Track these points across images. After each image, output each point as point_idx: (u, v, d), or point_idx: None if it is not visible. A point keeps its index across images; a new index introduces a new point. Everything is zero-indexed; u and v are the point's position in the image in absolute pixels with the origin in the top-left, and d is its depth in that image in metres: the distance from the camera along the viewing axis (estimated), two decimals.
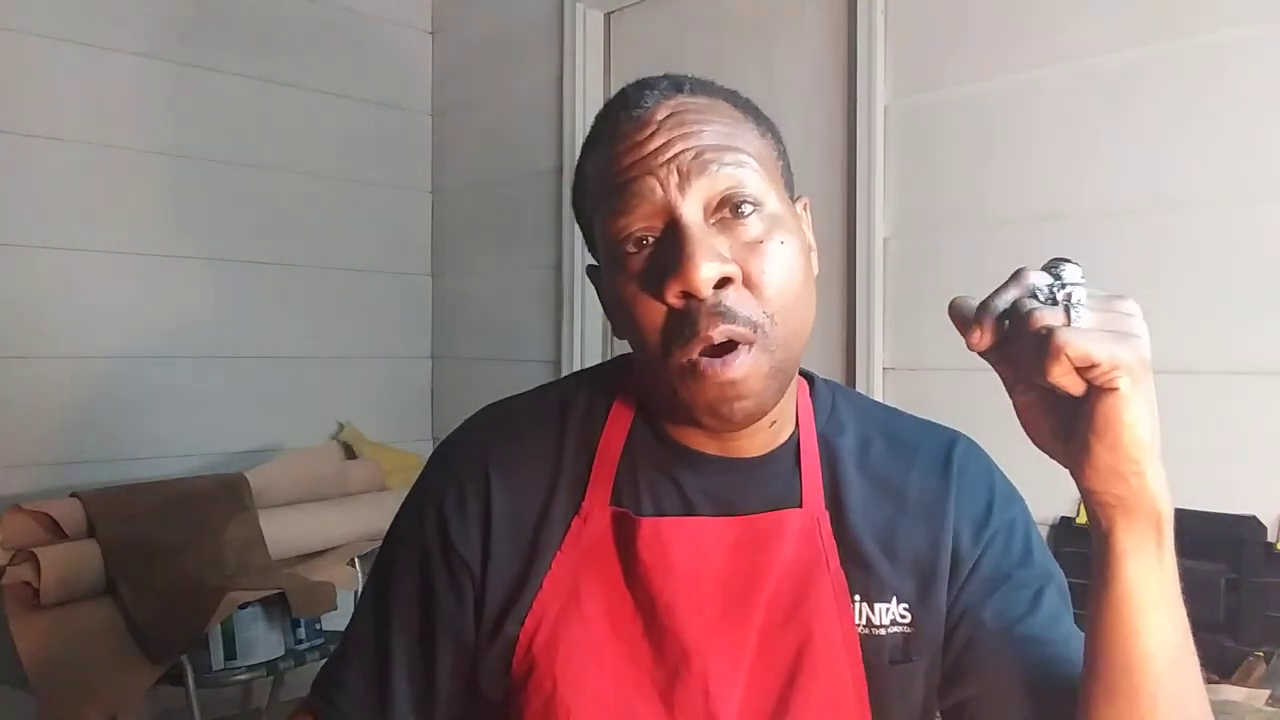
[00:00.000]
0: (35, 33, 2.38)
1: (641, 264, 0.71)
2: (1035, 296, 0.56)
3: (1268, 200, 1.59)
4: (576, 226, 0.75)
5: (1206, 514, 1.60)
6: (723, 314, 0.68)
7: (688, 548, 0.74)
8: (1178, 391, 1.67)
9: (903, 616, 0.76)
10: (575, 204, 0.80)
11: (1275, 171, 1.59)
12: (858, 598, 0.75)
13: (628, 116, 0.73)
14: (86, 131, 2.46)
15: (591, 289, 0.82)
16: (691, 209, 0.69)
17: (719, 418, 0.70)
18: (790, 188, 0.78)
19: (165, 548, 2.12)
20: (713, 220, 0.70)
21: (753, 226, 0.70)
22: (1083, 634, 0.74)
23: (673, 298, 0.68)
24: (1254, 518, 1.57)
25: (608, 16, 2.72)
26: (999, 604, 0.75)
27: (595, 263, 0.79)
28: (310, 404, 2.86)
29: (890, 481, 0.79)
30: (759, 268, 0.69)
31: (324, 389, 2.90)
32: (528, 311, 2.84)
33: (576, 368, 2.63)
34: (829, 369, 2.04)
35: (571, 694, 0.73)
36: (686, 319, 0.68)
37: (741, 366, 0.68)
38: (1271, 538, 1.55)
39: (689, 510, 0.77)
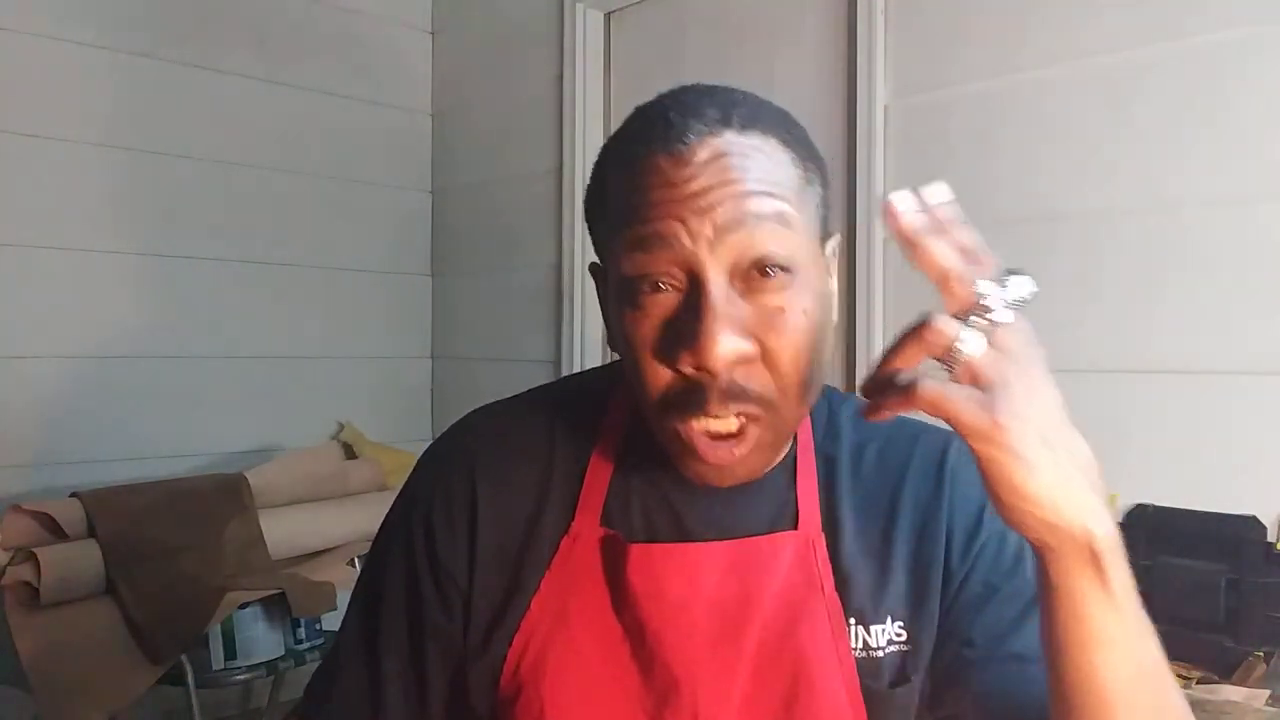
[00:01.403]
0: (33, 32, 2.38)
1: (656, 317, 0.66)
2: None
3: (1268, 200, 1.59)
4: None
5: (1206, 514, 1.60)
6: (735, 395, 0.65)
7: (680, 575, 0.72)
8: (1178, 391, 1.67)
9: (899, 635, 0.74)
10: (588, 208, 0.74)
11: (1275, 171, 1.59)
12: (853, 621, 0.73)
13: (665, 149, 0.66)
14: (87, 132, 2.46)
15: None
16: (717, 271, 0.64)
17: (705, 484, 0.69)
18: (825, 225, 0.73)
19: (165, 548, 2.12)
20: (738, 282, 0.65)
21: (777, 293, 0.65)
22: None
23: (686, 368, 0.65)
24: (1254, 518, 1.57)
25: (608, 16, 2.72)
26: (987, 619, 0.73)
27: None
28: (310, 404, 2.86)
29: (884, 494, 0.77)
30: (778, 343, 0.65)
31: (324, 389, 2.89)
32: (528, 311, 2.84)
33: (576, 368, 2.63)
34: (828, 369, 2.04)
35: (556, 717, 0.72)
36: (695, 392, 0.65)
37: (745, 449, 0.67)
38: (1271, 538, 1.55)
39: (682, 531, 0.75)
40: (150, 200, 2.57)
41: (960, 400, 0.54)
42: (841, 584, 0.74)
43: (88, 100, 2.47)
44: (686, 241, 0.64)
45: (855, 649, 0.73)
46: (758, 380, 0.66)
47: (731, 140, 0.66)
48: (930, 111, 2.00)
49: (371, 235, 3.02)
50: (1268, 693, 1.39)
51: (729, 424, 0.66)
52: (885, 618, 0.74)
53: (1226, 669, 1.51)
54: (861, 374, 2.05)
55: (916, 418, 0.84)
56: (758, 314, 0.65)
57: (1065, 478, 0.54)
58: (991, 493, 0.56)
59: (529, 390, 0.86)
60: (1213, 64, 1.65)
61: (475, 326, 3.05)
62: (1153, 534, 1.64)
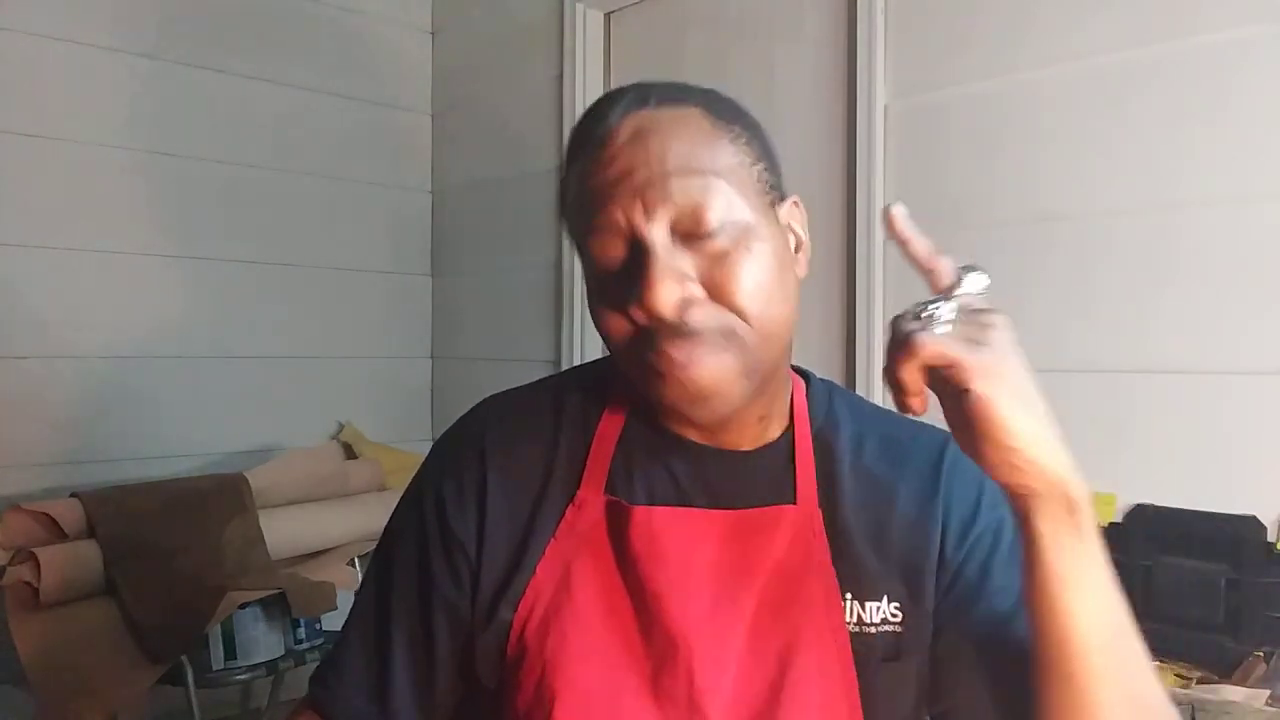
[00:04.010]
0: (35, 32, 2.38)
1: (612, 285, 0.72)
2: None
3: (1268, 200, 1.59)
4: None
5: (1206, 514, 1.60)
6: (688, 336, 0.69)
7: (679, 538, 0.75)
8: (1178, 391, 1.67)
9: (894, 615, 0.76)
10: (562, 212, 0.81)
11: (1275, 171, 1.59)
12: (849, 596, 0.75)
13: (592, 134, 0.74)
14: (88, 132, 2.46)
15: None
16: (657, 231, 0.70)
17: (687, 418, 0.73)
18: (775, 188, 0.77)
19: (165, 548, 2.12)
20: (679, 238, 0.70)
21: (719, 241, 0.70)
22: None
23: (638, 318, 0.70)
24: (1254, 518, 1.57)
25: (608, 16, 2.72)
26: (984, 609, 0.75)
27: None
28: (310, 404, 2.86)
29: (883, 480, 0.80)
30: (724, 278, 0.70)
31: (324, 389, 2.90)
32: (528, 311, 2.84)
33: None
34: (829, 369, 2.04)
35: (559, 680, 0.73)
36: (651, 337, 0.70)
37: (708, 369, 0.69)
38: (1271, 538, 1.55)
39: (682, 499, 0.77)
40: (150, 201, 2.57)
41: (961, 342, 0.60)
42: (838, 559, 0.76)
43: (87, 100, 2.47)
44: (622, 221, 0.70)
45: (849, 623, 0.75)
46: (713, 318, 0.70)
47: (649, 116, 0.72)
48: (930, 111, 2.00)
49: (371, 235, 3.02)
50: (1268, 693, 1.39)
51: (685, 359, 0.70)
52: (882, 596, 0.76)
53: (1226, 669, 1.51)
54: (862, 373, 2.05)
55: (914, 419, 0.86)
56: (702, 260, 0.70)
57: (1046, 425, 0.61)
58: (982, 434, 0.60)
59: (538, 378, 0.89)
60: (1213, 64, 1.65)
61: (475, 326, 3.05)
62: (1153, 534, 1.64)
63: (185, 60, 2.62)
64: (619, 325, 0.72)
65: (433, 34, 3.17)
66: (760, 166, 0.75)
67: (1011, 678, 0.71)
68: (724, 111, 0.75)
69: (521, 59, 2.87)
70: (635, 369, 0.73)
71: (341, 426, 2.90)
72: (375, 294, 3.03)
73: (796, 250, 0.78)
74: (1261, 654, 1.50)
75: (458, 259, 3.11)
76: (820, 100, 2.21)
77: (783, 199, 0.78)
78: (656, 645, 0.74)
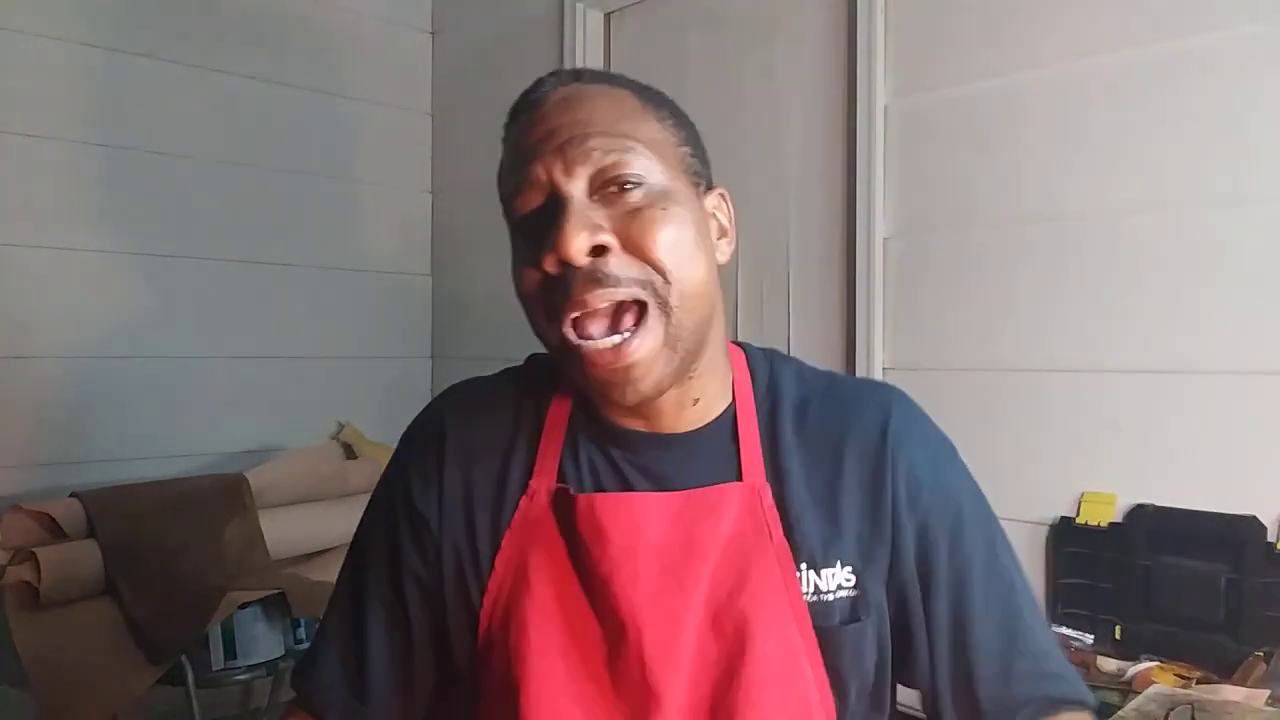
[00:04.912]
0: (34, 32, 2.38)
1: (531, 242, 0.74)
2: None
3: (1265, 200, 1.59)
4: None
5: (1206, 514, 1.60)
6: (600, 280, 0.70)
7: (623, 522, 0.75)
8: (1178, 391, 1.67)
9: (849, 580, 0.77)
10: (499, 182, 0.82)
11: (1272, 172, 1.59)
12: (804, 566, 0.76)
13: (525, 103, 0.78)
14: (88, 131, 2.46)
15: None
16: (575, 186, 0.72)
17: (612, 400, 0.73)
18: (701, 176, 0.79)
19: (165, 548, 2.12)
20: (596, 196, 0.72)
21: (634, 198, 0.72)
22: (1019, 591, 0.79)
23: (550, 266, 0.71)
24: (1254, 518, 1.57)
25: (608, 16, 2.72)
26: (941, 582, 0.78)
27: None
28: (310, 404, 2.86)
29: (828, 446, 0.80)
30: (639, 231, 0.71)
31: (324, 389, 2.89)
32: None
33: None
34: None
35: (524, 670, 0.75)
36: (562, 285, 0.70)
37: (639, 348, 0.70)
38: (1271, 538, 1.55)
39: (625, 486, 0.78)
40: (150, 200, 2.57)
41: None
42: (790, 530, 0.77)
43: (88, 100, 2.47)
44: (543, 175, 0.73)
45: (806, 594, 0.76)
46: (629, 268, 0.70)
47: (579, 88, 0.77)
48: (930, 111, 2.00)
49: (371, 235, 3.02)
50: (1268, 693, 1.39)
51: (601, 305, 0.70)
52: (835, 562, 0.77)
53: (1226, 669, 1.51)
54: (861, 373, 2.05)
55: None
56: (617, 213, 0.72)
57: None
58: None
59: (504, 369, 0.91)
60: (1212, 64, 1.65)
61: (475, 326, 3.05)
62: (1153, 534, 1.64)
63: (185, 60, 2.62)
64: (530, 277, 0.73)
65: (433, 34, 3.17)
66: (686, 150, 0.78)
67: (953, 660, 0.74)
68: (654, 98, 0.79)
69: (521, 59, 2.87)
70: (551, 343, 0.74)
71: (341, 426, 2.90)
72: (375, 294, 3.02)
73: (720, 238, 0.80)
74: (1261, 654, 1.50)
75: (458, 259, 3.11)
76: (820, 100, 2.21)
77: (710, 189, 0.80)
78: (609, 630, 0.75)
